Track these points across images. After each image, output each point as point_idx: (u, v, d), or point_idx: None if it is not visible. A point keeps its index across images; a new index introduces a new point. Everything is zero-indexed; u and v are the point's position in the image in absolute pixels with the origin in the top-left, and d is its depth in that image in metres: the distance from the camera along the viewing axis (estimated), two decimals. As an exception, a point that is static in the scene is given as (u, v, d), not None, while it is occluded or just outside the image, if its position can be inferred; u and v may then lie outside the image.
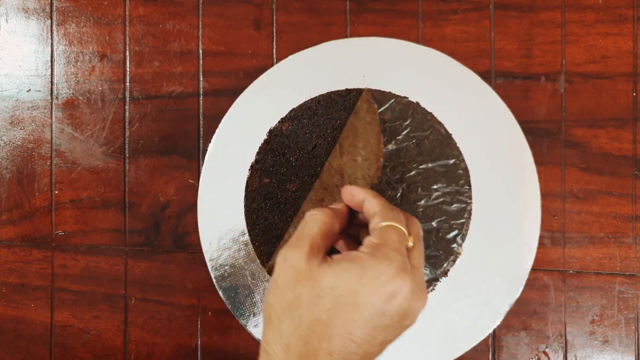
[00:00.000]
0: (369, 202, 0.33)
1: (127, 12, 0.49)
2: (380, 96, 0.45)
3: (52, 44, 0.50)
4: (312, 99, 0.46)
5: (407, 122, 0.45)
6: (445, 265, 0.44)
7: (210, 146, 0.46)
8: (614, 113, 0.45)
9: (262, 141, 0.46)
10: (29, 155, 0.50)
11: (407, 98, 0.45)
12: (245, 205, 0.46)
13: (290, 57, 0.46)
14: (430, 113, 0.45)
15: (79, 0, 0.50)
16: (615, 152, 0.45)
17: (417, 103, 0.45)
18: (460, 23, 0.46)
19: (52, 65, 0.50)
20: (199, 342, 0.48)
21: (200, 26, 0.49)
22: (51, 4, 0.50)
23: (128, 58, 0.49)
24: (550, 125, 0.45)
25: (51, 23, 0.50)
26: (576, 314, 0.45)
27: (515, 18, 0.46)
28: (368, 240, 0.30)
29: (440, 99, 0.45)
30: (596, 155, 0.45)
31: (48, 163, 0.50)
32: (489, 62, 0.46)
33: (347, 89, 0.46)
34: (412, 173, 0.44)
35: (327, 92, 0.46)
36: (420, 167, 0.44)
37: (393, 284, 0.28)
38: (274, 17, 0.48)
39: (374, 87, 0.45)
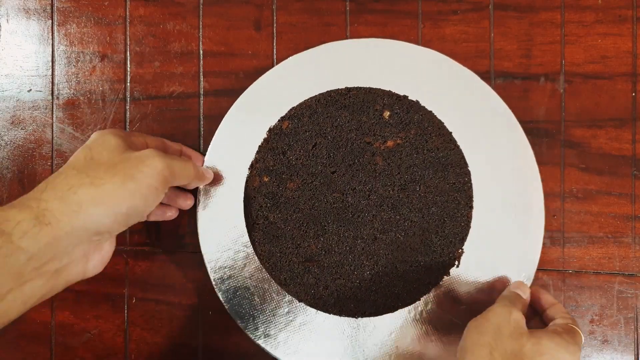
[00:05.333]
0: (558, 309, 0.41)
1: (127, 13, 0.49)
2: (379, 94, 0.45)
3: (52, 44, 0.50)
4: (312, 98, 0.46)
5: (407, 120, 0.45)
6: (447, 265, 0.44)
7: (211, 146, 0.46)
8: (613, 113, 0.45)
9: (262, 140, 0.46)
10: (30, 155, 0.50)
11: (407, 97, 0.45)
12: (245, 205, 0.45)
13: (291, 58, 0.46)
14: (430, 112, 0.45)
15: (80, 0, 0.50)
16: (614, 152, 0.45)
17: (417, 102, 0.45)
18: (460, 23, 0.46)
19: (52, 66, 0.50)
20: (199, 342, 0.48)
21: (201, 27, 0.49)
22: (52, 5, 0.50)
23: (129, 58, 0.49)
24: (549, 126, 0.45)
25: (52, 23, 0.50)
26: (575, 314, 0.45)
27: (515, 18, 0.46)
28: (561, 325, 0.38)
29: (440, 98, 0.45)
30: (595, 155, 0.45)
31: (49, 163, 0.50)
32: (488, 63, 0.46)
33: (346, 88, 0.45)
34: (412, 170, 0.44)
35: (327, 91, 0.46)
36: (421, 164, 0.44)
37: None
38: (274, 18, 0.48)
39: (374, 86, 0.45)
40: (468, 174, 0.44)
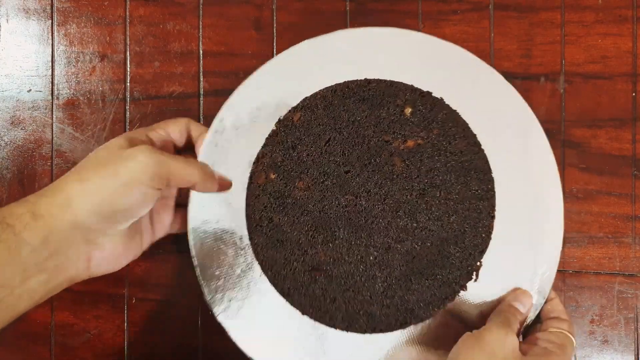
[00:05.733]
0: (555, 304, 0.41)
1: (127, 13, 0.49)
2: (401, 88, 0.42)
3: (52, 44, 0.50)
4: (327, 88, 0.41)
5: (430, 119, 0.41)
6: (464, 278, 0.41)
7: (209, 135, 0.42)
8: (613, 113, 0.45)
9: (270, 132, 0.41)
10: (30, 155, 0.50)
11: (431, 93, 0.41)
12: (247, 205, 0.41)
13: (305, 42, 0.42)
14: (455, 111, 0.41)
15: (80, 0, 0.50)
16: (614, 152, 0.45)
17: (441, 99, 0.41)
18: (460, 23, 0.46)
19: (52, 66, 0.50)
20: (199, 342, 0.48)
21: (201, 27, 0.49)
22: (52, 4, 0.50)
23: (128, 58, 0.49)
24: (549, 125, 0.45)
25: (52, 23, 0.50)
26: (575, 314, 0.45)
27: (515, 18, 0.46)
28: (553, 338, 0.37)
29: (465, 97, 0.41)
30: (595, 155, 0.45)
31: (49, 163, 0.50)
32: (488, 63, 0.46)
33: (366, 79, 0.42)
34: (432, 174, 0.41)
35: (345, 81, 0.42)
36: (442, 168, 0.41)
37: None
38: (275, 18, 0.48)
39: (395, 79, 0.41)
40: (492, 180, 0.41)
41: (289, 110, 0.42)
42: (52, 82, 0.50)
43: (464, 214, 0.41)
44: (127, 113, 0.49)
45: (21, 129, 0.51)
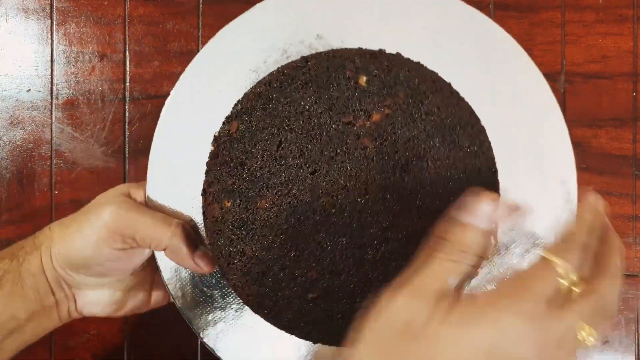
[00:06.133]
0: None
1: (127, 12, 0.49)
2: (347, 56, 0.35)
3: (52, 44, 0.50)
4: (259, 82, 0.35)
5: (391, 82, 0.35)
6: None
7: (148, 179, 0.37)
8: (613, 113, 0.45)
9: (209, 154, 0.36)
10: (29, 155, 0.50)
11: (384, 50, 0.35)
12: (210, 244, 0.36)
13: (219, 33, 0.36)
14: (418, 63, 0.35)
15: (79, 0, 0.50)
16: (615, 152, 0.45)
17: (398, 54, 0.35)
18: (460, 23, 0.46)
19: (52, 65, 0.50)
20: (199, 342, 0.48)
21: (200, 26, 0.49)
22: (51, 4, 0.50)
23: (128, 58, 0.49)
24: (550, 125, 0.45)
25: (51, 23, 0.50)
26: (576, 314, 0.45)
27: (515, 18, 0.46)
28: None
29: (426, 42, 0.35)
30: (596, 155, 0.45)
31: (48, 163, 0.50)
32: (489, 62, 0.46)
33: (302, 58, 0.36)
34: (412, 144, 0.35)
35: (278, 68, 0.36)
36: (421, 134, 0.35)
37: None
38: (274, 17, 0.48)
39: (336, 47, 0.35)
40: (483, 131, 0.35)
41: (223, 122, 0.36)
42: (52, 82, 0.50)
43: (460, 178, 0.35)
44: (127, 113, 0.49)
45: (20, 128, 0.50)
